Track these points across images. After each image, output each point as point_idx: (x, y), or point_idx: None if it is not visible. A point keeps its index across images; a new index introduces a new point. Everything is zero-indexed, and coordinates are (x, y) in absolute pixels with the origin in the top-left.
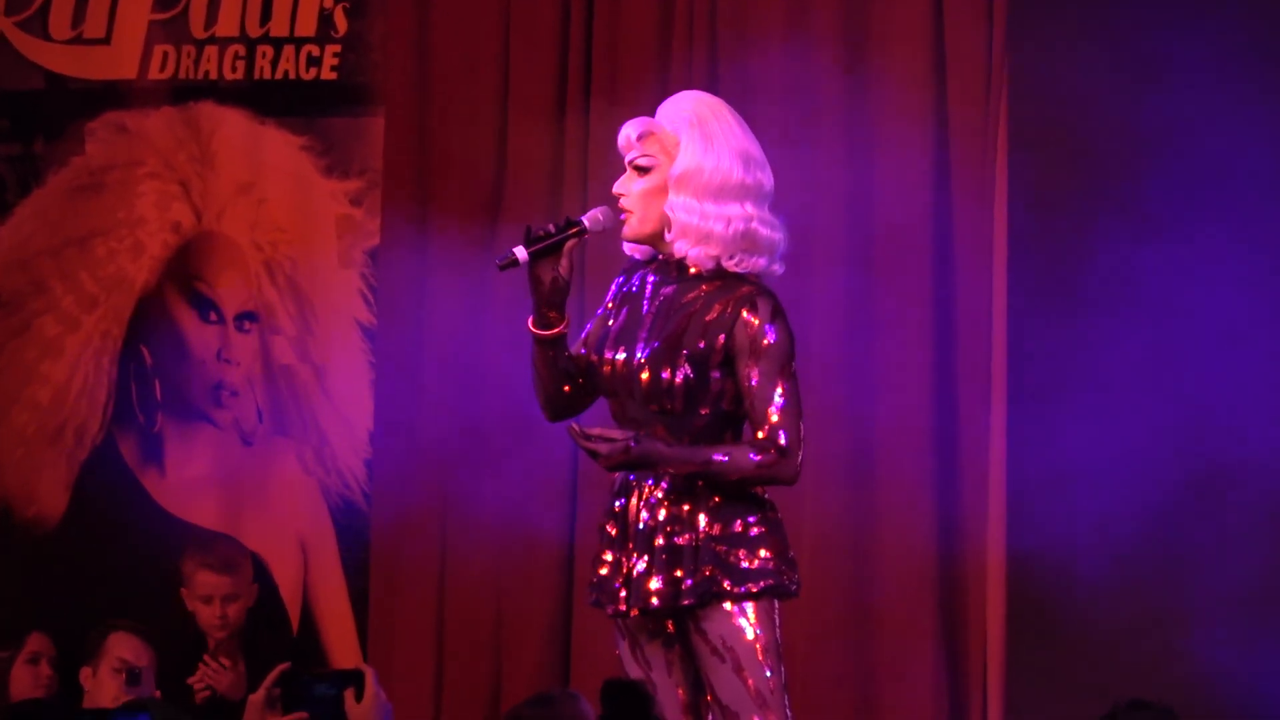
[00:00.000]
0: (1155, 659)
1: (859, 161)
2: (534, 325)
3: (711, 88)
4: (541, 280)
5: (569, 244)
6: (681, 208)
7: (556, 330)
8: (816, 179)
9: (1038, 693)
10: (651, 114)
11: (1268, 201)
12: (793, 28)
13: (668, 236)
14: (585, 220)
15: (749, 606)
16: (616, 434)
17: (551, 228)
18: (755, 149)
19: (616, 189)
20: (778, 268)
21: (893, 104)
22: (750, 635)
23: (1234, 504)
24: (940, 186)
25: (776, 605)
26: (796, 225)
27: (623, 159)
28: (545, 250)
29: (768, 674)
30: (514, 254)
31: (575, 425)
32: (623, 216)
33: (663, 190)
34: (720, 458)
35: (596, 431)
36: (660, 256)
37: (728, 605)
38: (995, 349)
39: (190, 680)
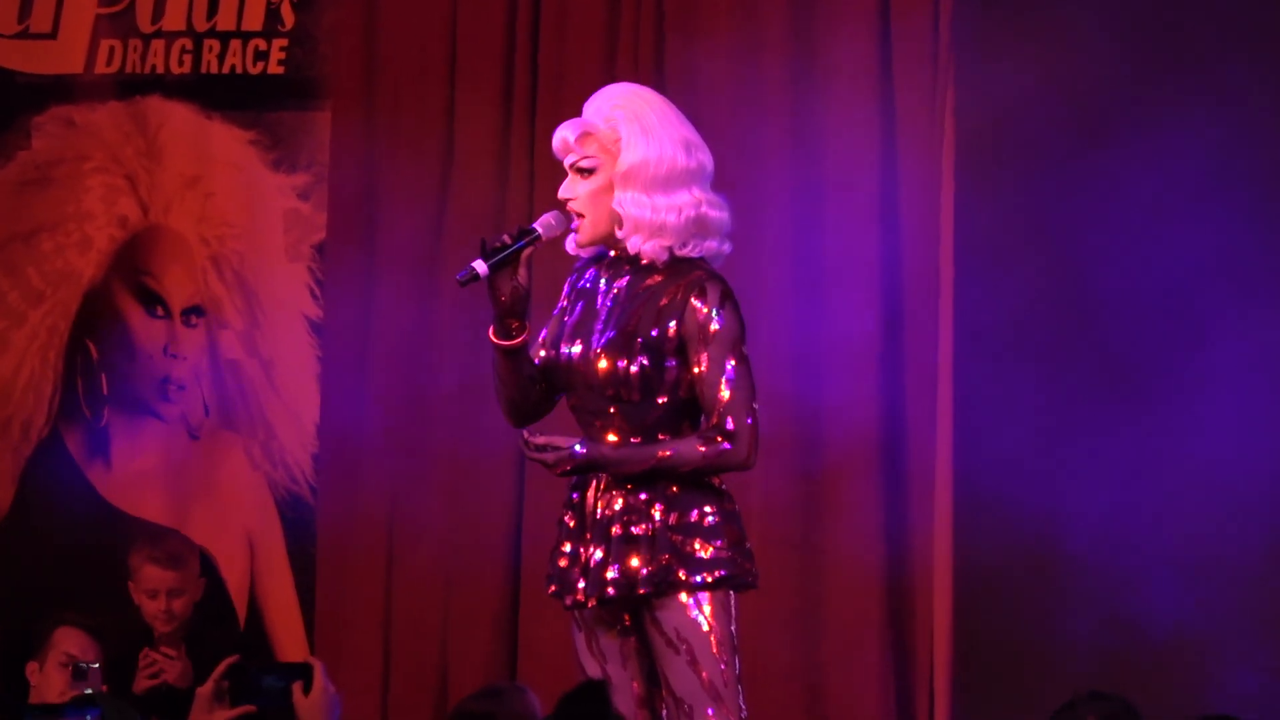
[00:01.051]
0: (1102, 651)
1: (806, 154)
2: (496, 336)
3: (658, 80)
4: (501, 291)
5: (526, 252)
6: (632, 203)
7: (519, 340)
8: (763, 172)
9: (985, 684)
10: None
11: (1214, 189)
12: (739, 21)
13: (619, 233)
14: (539, 227)
15: (704, 597)
16: (562, 441)
17: (507, 238)
18: (692, 132)
19: (562, 194)
20: (726, 247)
21: (839, 96)
22: (705, 627)
23: (1184, 494)
24: (887, 177)
25: (733, 597)
26: (743, 219)
27: (561, 163)
28: (504, 261)
29: (722, 666)
30: (474, 268)
31: (524, 434)
32: (575, 224)
33: (609, 189)
34: (667, 453)
35: (543, 440)
36: (612, 252)
37: (683, 596)
38: (942, 340)
39: (141, 668)
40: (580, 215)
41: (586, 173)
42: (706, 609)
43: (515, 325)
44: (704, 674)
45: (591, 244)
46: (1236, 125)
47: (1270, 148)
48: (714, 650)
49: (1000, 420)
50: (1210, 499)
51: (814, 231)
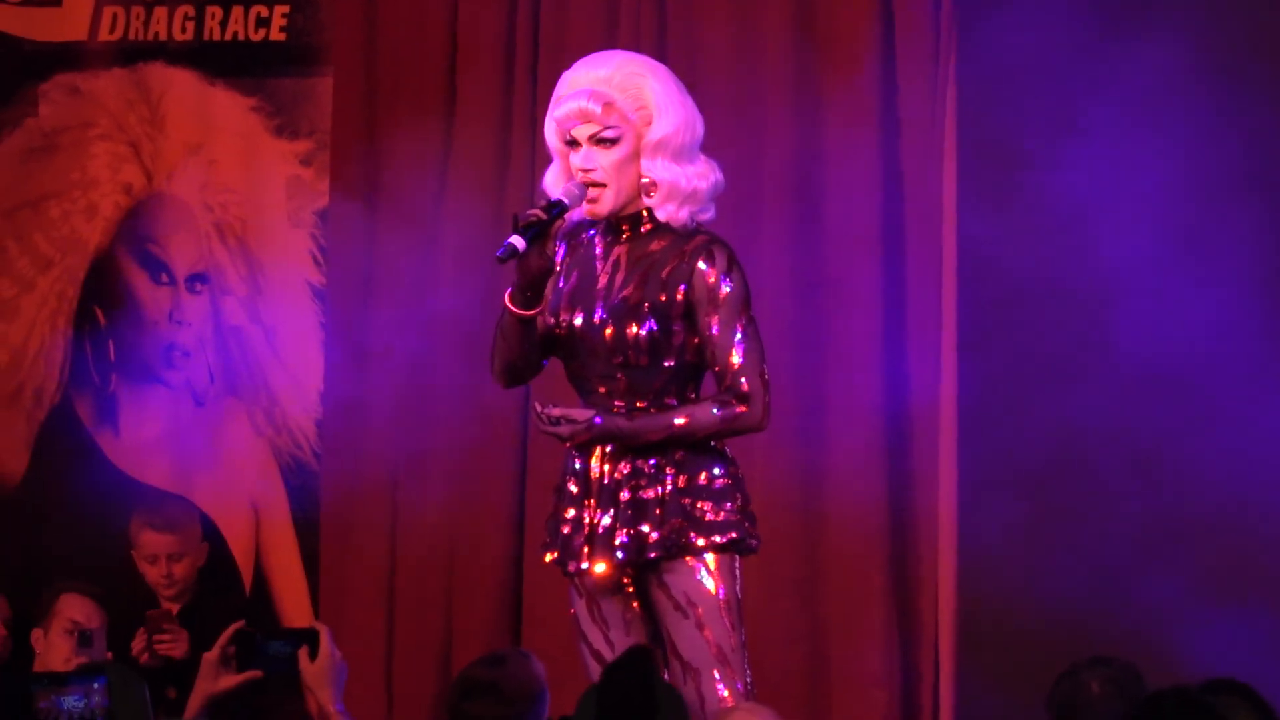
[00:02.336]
0: (1108, 615)
1: (806, 125)
2: (516, 305)
3: (659, 45)
4: (531, 263)
5: (555, 225)
6: (664, 171)
7: (539, 309)
8: (764, 143)
9: (989, 650)
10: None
11: (1226, 168)
12: None
13: (648, 201)
14: (566, 199)
15: (712, 561)
16: (578, 414)
17: (540, 213)
18: (691, 96)
19: (583, 165)
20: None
21: (840, 67)
22: (714, 590)
23: (1190, 462)
24: (888, 146)
25: (738, 560)
26: (745, 189)
27: (567, 131)
28: (537, 235)
29: (730, 630)
30: (513, 244)
31: (537, 407)
32: (594, 194)
33: (634, 158)
34: (682, 420)
35: (558, 413)
36: (609, 218)
37: (691, 560)
38: (945, 309)
39: (135, 650)
40: (601, 185)
41: (609, 143)
42: (715, 572)
43: (533, 295)
44: (712, 638)
45: (610, 214)
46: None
47: None
48: (722, 614)
49: (1004, 385)
50: (1210, 467)
51: (814, 197)
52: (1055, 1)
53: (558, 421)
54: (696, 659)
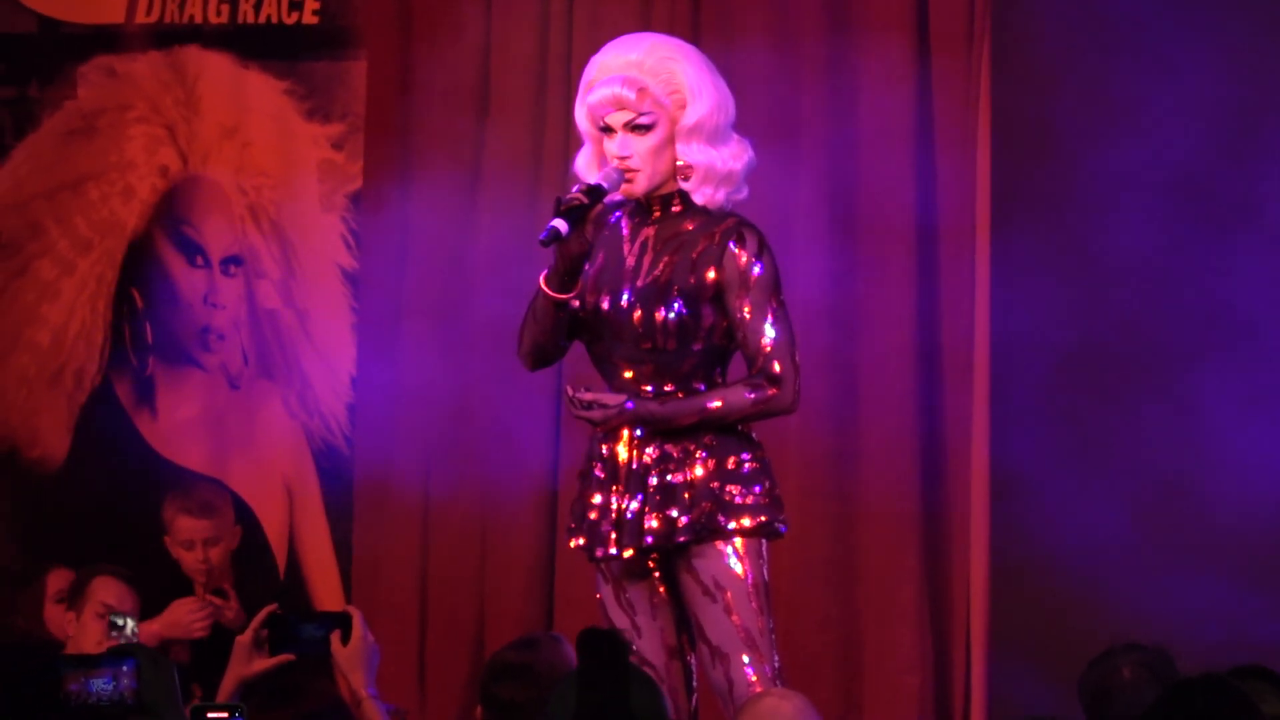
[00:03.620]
0: (1140, 599)
1: (842, 109)
2: (553, 289)
3: (693, 21)
4: (570, 247)
5: (595, 209)
6: (700, 155)
7: (575, 292)
8: (798, 127)
9: (1022, 633)
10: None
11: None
12: None
13: (684, 185)
14: (605, 183)
15: (741, 545)
16: (609, 399)
17: (582, 197)
18: (721, 76)
19: (620, 152)
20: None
21: (875, 51)
22: (741, 574)
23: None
24: (923, 132)
25: (765, 545)
26: (779, 173)
27: (600, 117)
28: (578, 219)
29: (758, 614)
30: (556, 228)
31: (569, 391)
32: (630, 176)
33: (669, 142)
34: (715, 404)
35: (590, 397)
36: (641, 199)
37: (720, 544)
38: (979, 294)
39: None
40: (637, 171)
41: (644, 129)
42: (743, 556)
43: (569, 278)
44: (740, 622)
45: (645, 195)
46: None
47: None
48: (750, 599)
49: (1037, 369)
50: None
51: (850, 183)
52: None
53: (590, 406)
54: (725, 643)
